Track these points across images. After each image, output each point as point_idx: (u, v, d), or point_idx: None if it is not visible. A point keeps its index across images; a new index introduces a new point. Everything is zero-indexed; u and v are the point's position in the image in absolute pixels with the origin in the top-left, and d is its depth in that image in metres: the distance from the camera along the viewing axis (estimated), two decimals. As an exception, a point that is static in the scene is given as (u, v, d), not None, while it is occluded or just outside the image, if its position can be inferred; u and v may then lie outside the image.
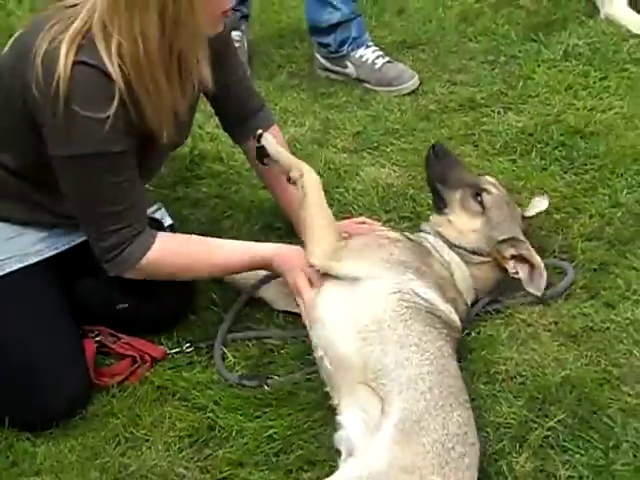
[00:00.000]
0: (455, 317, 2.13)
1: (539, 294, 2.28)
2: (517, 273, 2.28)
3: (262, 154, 2.37)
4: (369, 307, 2.00)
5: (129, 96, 1.98)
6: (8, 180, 2.18)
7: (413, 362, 1.88)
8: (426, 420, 1.78)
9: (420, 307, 2.02)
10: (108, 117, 1.95)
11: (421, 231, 2.37)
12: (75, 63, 1.91)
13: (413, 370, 1.87)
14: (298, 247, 2.26)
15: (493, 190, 2.33)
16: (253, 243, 2.30)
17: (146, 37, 1.91)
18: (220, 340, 2.30)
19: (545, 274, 2.27)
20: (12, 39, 2.11)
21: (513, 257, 2.27)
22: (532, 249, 2.27)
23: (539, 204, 2.49)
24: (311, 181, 2.27)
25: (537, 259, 2.26)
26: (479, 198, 2.31)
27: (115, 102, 1.95)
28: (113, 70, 1.94)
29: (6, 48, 2.12)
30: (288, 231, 2.65)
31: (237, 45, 3.35)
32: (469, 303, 2.27)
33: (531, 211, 2.47)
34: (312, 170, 2.31)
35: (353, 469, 1.74)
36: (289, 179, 2.31)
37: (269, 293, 2.41)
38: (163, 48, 1.95)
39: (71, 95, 1.92)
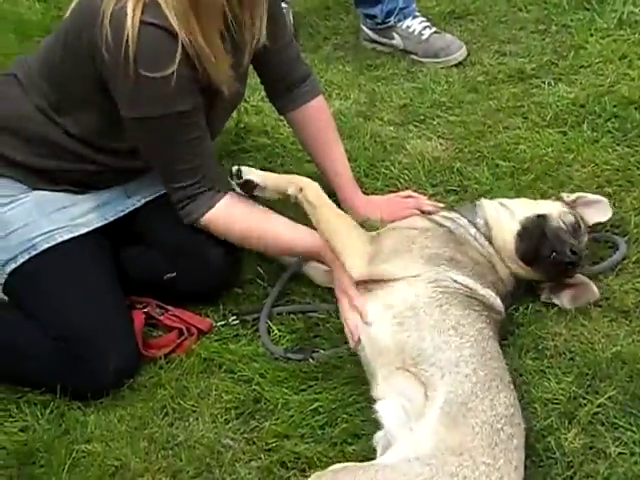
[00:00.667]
0: (496, 300, 2.09)
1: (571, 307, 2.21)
2: (549, 299, 2.24)
3: (249, 188, 2.32)
4: (402, 294, 1.99)
5: (192, 49, 2.00)
6: (69, 144, 2.22)
7: (452, 345, 1.86)
8: (473, 402, 1.76)
9: (457, 292, 1.99)
10: (173, 73, 1.98)
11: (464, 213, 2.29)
12: (142, 23, 1.95)
13: (453, 353, 1.85)
14: None
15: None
16: (310, 232, 2.24)
17: None
18: (266, 314, 2.30)
19: (593, 289, 2.19)
20: (73, 3, 2.15)
21: None
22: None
23: (602, 211, 2.37)
24: (313, 191, 2.21)
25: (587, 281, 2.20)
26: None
27: (178, 56, 1.98)
28: (176, 24, 1.96)
29: (67, 12, 2.16)
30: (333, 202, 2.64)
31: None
32: (511, 290, 2.22)
33: (594, 218, 2.36)
34: (307, 179, 2.26)
35: (399, 452, 1.72)
36: (290, 199, 2.25)
37: (313, 269, 2.39)
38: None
39: (139, 57, 1.97)
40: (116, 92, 2.08)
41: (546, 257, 2.15)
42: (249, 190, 2.35)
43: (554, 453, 1.89)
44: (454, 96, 3.12)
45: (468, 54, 3.33)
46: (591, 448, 1.90)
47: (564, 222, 2.21)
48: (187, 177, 2.18)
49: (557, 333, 2.17)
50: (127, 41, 1.95)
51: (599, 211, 2.36)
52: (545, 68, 3.18)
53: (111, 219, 2.35)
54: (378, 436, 1.86)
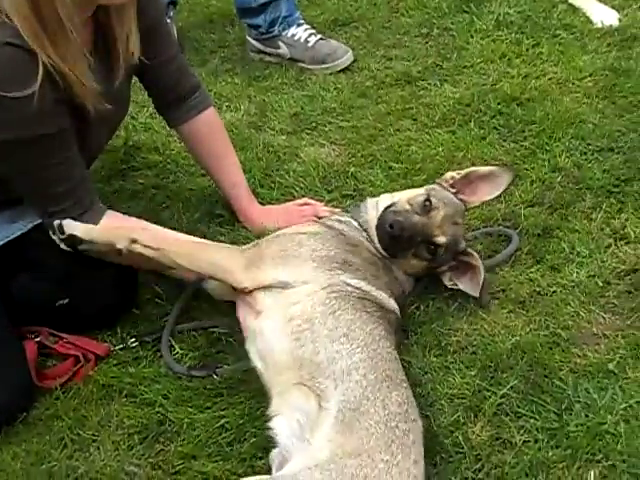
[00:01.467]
0: (391, 301, 2.09)
1: (476, 295, 2.21)
2: (455, 285, 2.24)
3: (73, 243, 2.12)
4: (300, 307, 1.97)
5: (52, 69, 1.92)
6: None
7: (344, 354, 1.86)
8: (365, 405, 1.76)
9: (349, 295, 1.99)
10: (33, 94, 1.89)
11: (354, 212, 2.29)
12: None
13: (345, 362, 1.85)
14: None
15: (441, 239, 2.18)
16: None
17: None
18: (168, 332, 2.23)
19: (483, 274, 2.18)
20: None
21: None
22: (473, 253, 2.23)
23: (497, 181, 2.34)
24: (148, 236, 2.11)
25: (478, 262, 2.21)
26: (432, 248, 2.18)
27: (39, 77, 1.89)
28: (32, 44, 1.87)
29: None
30: (229, 218, 2.60)
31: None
32: (407, 290, 2.23)
33: (491, 191, 2.35)
34: (136, 227, 2.18)
35: (298, 463, 1.71)
36: (120, 253, 2.10)
37: (212, 283, 2.31)
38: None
39: None
40: None
41: (387, 240, 2.15)
42: (74, 245, 2.14)
43: (462, 447, 1.90)
44: (344, 102, 3.14)
45: (355, 60, 3.37)
46: (497, 439, 1.92)
47: (410, 204, 2.19)
48: (60, 201, 2.11)
49: (458, 328, 2.20)
50: None
51: (494, 182, 2.34)
52: (430, 70, 3.25)
53: (-1, 244, 2.24)
54: (273, 454, 1.83)
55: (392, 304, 2.09)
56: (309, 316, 1.94)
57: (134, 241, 2.08)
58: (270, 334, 1.97)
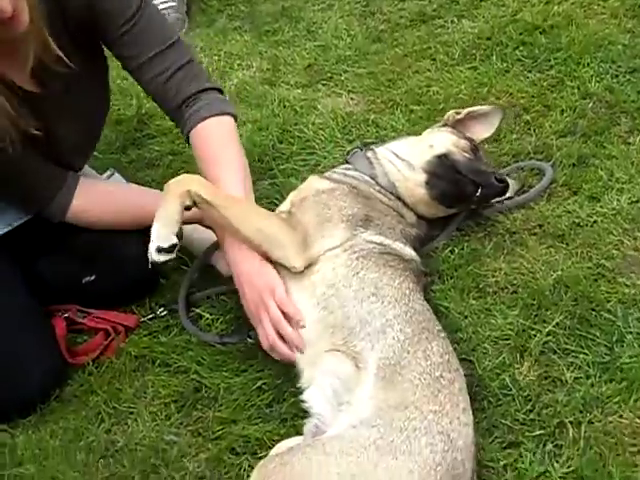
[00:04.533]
0: (408, 249, 1.99)
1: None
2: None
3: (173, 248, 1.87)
4: (321, 274, 1.87)
5: None
6: None
7: (376, 313, 1.78)
8: (405, 358, 1.69)
9: (371, 252, 1.89)
10: None
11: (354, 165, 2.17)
12: None
13: (378, 321, 1.76)
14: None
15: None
16: None
17: None
18: (183, 306, 2.14)
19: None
20: None
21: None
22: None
23: (492, 120, 2.30)
24: (201, 186, 1.89)
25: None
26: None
27: None
28: None
29: None
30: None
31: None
32: (422, 233, 2.13)
33: (488, 129, 2.30)
34: (185, 176, 1.97)
35: (343, 422, 1.64)
36: (189, 208, 1.89)
37: (220, 261, 2.19)
38: None
39: None
40: None
41: (472, 194, 2.08)
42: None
43: (510, 390, 1.82)
44: (358, 49, 3.02)
45: (367, 3, 3.23)
46: (546, 378, 1.84)
47: (464, 151, 2.12)
48: (28, 196, 2.11)
49: (497, 269, 2.10)
50: None
51: (487, 122, 2.28)
52: (445, 7, 3.12)
53: (15, 224, 2.19)
54: (307, 428, 1.75)
55: (411, 252, 1.99)
56: (332, 281, 1.85)
57: (189, 192, 1.86)
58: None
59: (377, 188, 2.10)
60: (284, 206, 2.06)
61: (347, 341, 1.77)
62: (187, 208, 1.89)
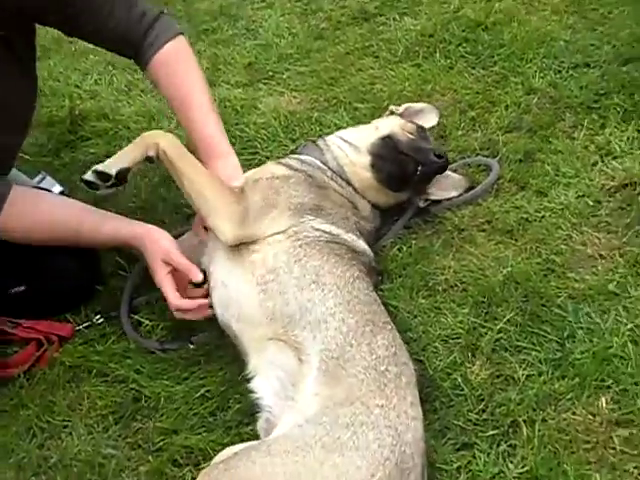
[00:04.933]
0: (360, 242, 1.94)
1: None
2: (429, 199, 2.19)
3: (106, 180, 1.93)
4: (261, 256, 1.82)
5: None
6: None
7: (316, 301, 1.72)
8: (349, 352, 1.63)
9: (316, 240, 1.84)
10: None
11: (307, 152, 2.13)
12: None
13: (319, 309, 1.71)
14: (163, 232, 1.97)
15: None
16: (121, 218, 2.02)
17: None
18: (126, 310, 2.07)
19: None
20: None
21: None
22: None
23: (429, 117, 2.31)
24: (168, 142, 1.95)
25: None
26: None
27: None
28: None
29: None
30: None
31: None
32: (377, 224, 2.10)
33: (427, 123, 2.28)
34: (157, 132, 2.04)
35: (288, 421, 1.58)
36: (151, 161, 1.97)
37: None
38: None
39: None
40: None
41: (413, 173, 2.04)
42: (110, 185, 1.95)
43: (462, 389, 1.78)
44: (300, 47, 2.97)
45: (307, 2, 3.18)
46: (499, 376, 1.80)
47: (409, 132, 2.11)
48: None
49: (446, 266, 2.06)
50: None
51: (426, 118, 2.29)
52: (388, 5, 3.10)
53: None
54: (259, 423, 1.69)
55: (362, 245, 1.94)
56: (273, 266, 1.79)
57: (157, 145, 1.93)
58: (235, 287, 1.82)
59: (329, 174, 2.05)
60: (238, 182, 2.00)
61: (287, 330, 1.71)
62: (149, 159, 1.95)
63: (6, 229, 1.96)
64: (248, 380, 1.75)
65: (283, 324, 1.72)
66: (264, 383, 1.71)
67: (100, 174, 1.93)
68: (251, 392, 1.73)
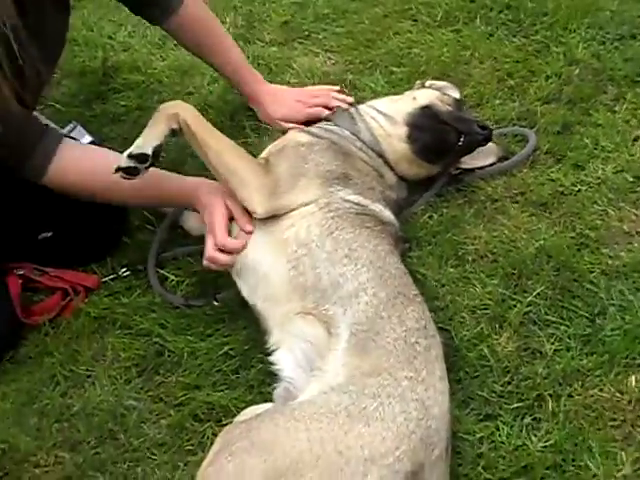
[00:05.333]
0: (387, 212, 1.90)
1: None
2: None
3: (143, 161, 1.82)
4: (294, 231, 1.78)
5: None
6: None
7: (349, 276, 1.69)
8: (379, 324, 1.61)
9: (347, 212, 1.80)
10: None
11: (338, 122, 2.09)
12: None
13: (351, 284, 1.67)
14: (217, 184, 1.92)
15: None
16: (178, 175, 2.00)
17: None
18: (153, 264, 2.05)
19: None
20: None
21: None
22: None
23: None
24: (189, 114, 1.88)
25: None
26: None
27: None
28: None
29: None
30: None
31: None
32: (401, 197, 2.05)
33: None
34: (175, 102, 1.95)
35: (313, 388, 1.56)
36: (174, 134, 1.89)
37: (189, 222, 2.13)
38: None
39: None
40: None
41: (455, 144, 2.00)
42: (156, 161, 1.87)
43: (488, 360, 1.76)
44: (337, 7, 2.90)
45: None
46: (526, 349, 1.78)
47: (448, 104, 2.06)
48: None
49: (476, 236, 2.03)
50: None
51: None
52: (428, -33, 3.00)
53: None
54: (277, 392, 1.67)
55: (390, 216, 1.90)
56: (305, 240, 1.76)
57: (176, 115, 1.86)
58: (266, 267, 1.78)
59: (359, 145, 2.00)
60: (261, 155, 1.96)
61: (319, 304, 1.68)
62: (173, 132, 1.87)
63: (62, 183, 1.95)
64: (268, 354, 1.73)
65: (314, 299, 1.69)
66: (287, 356, 1.68)
67: (136, 157, 1.83)
68: (272, 364, 1.71)
